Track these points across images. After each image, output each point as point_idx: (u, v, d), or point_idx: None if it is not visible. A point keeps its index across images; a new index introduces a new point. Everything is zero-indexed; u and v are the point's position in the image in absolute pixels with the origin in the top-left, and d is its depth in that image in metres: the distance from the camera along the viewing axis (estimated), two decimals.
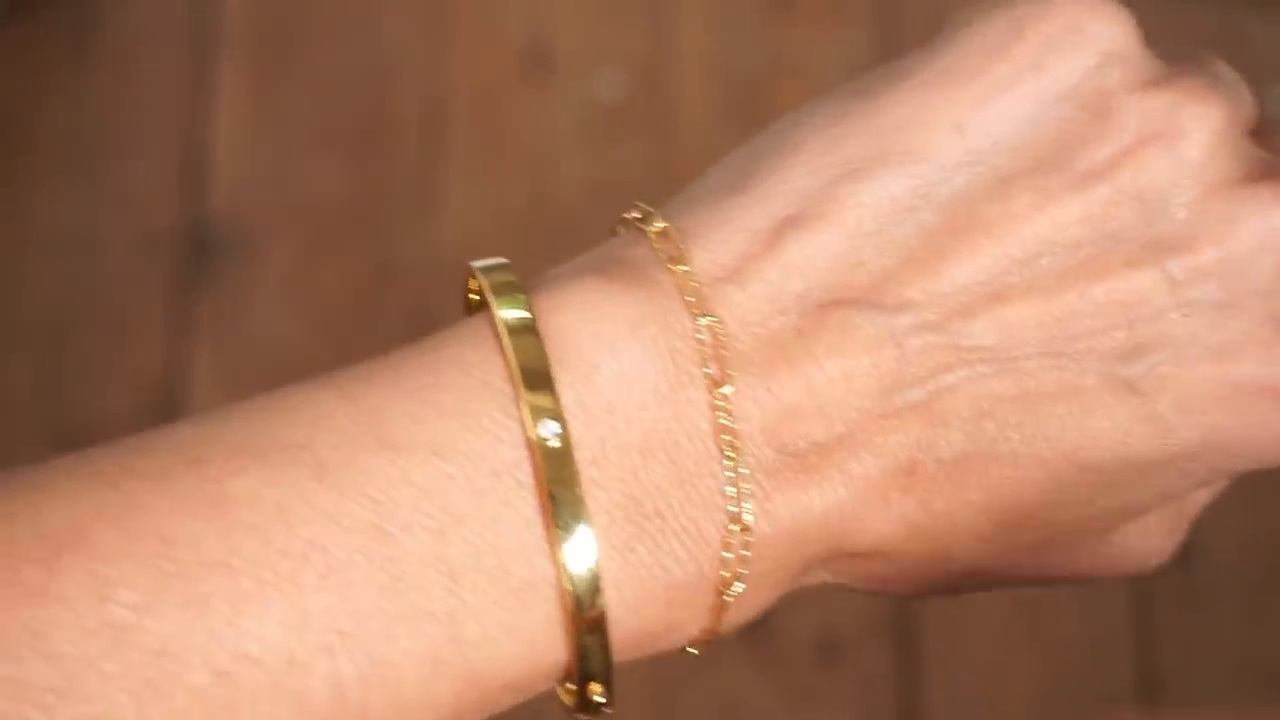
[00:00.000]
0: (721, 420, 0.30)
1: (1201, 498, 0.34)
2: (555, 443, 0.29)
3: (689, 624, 0.30)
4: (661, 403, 0.29)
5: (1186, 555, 0.94)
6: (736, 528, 0.30)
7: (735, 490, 0.30)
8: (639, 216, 0.32)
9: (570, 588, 0.28)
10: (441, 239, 1.00)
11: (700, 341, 0.30)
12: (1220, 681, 0.91)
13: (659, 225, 0.31)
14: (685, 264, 0.31)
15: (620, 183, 1.01)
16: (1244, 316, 0.32)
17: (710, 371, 0.30)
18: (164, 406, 0.96)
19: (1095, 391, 0.31)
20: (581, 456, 0.29)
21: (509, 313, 0.29)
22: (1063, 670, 0.90)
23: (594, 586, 0.29)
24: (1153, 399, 0.31)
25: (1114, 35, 0.32)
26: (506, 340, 0.29)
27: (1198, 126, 0.32)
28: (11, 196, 1.00)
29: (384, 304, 0.99)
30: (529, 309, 0.30)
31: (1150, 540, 0.34)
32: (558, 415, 0.29)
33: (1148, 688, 0.90)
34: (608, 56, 1.03)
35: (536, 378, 0.29)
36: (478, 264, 0.31)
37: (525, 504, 0.29)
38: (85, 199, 1.00)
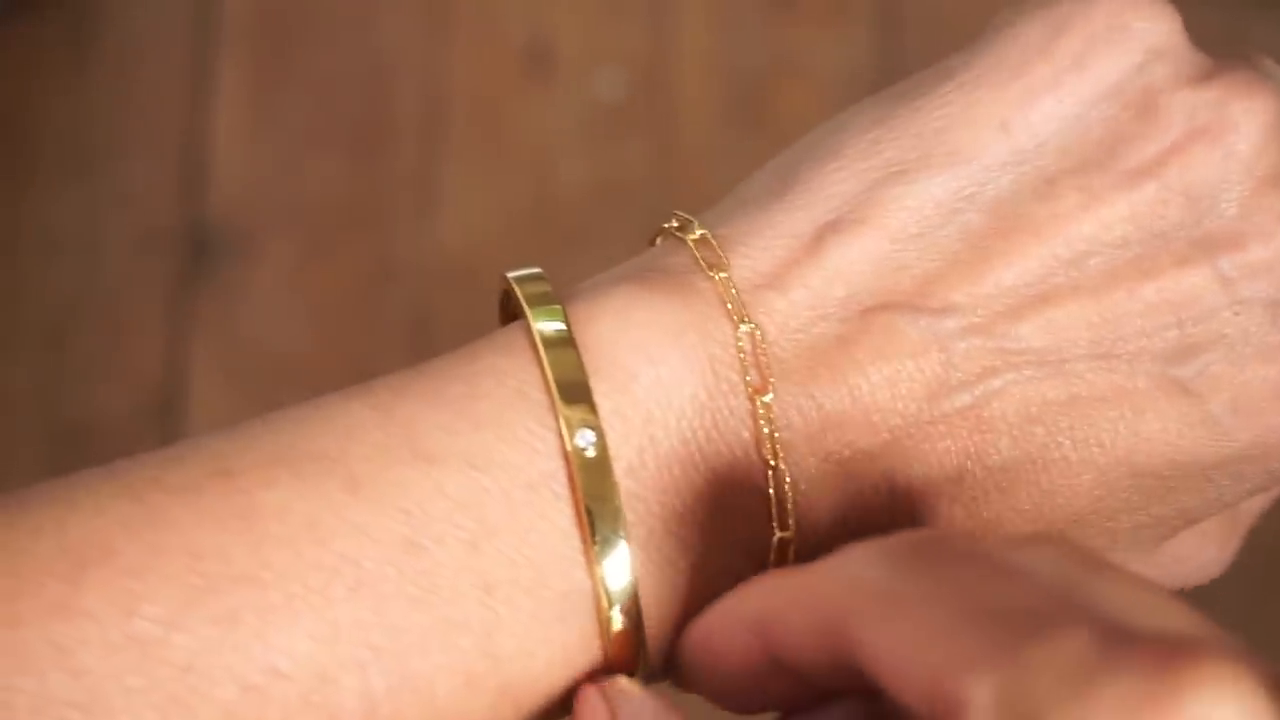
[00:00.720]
0: (763, 429, 0.29)
1: (1255, 506, 0.34)
2: (592, 452, 0.28)
3: None
4: (701, 411, 0.29)
5: None
6: (780, 537, 0.29)
7: (778, 500, 0.29)
8: (678, 226, 0.31)
9: (607, 604, 0.28)
10: (441, 239, 1.00)
11: (740, 349, 0.29)
12: None
13: (698, 233, 0.31)
14: (725, 271, 0.30)
15: (621, 183, 1.01)
16: None
17: (751, 379, 0.29)
18: (163, 406, 0.96)
19: (1147, 393, 0.30)
20: (619, 467, 0.29)
21: (545, 324, 0.29)
22: None
23: (633, 601, 0.28)
24: (1206, 400, 0.31)
25: (1158, 32, 0.31)
26: (543, 353, 0.29)
27: (1246, 121, 0.31)
28: (11, 196, 1.00)
29: (384, 304, 0.99)
30: (565, 319, 0.29)
31: (1206, 550, 0.33)
32: (595, 426, 0.28)
33: None
34: (608, 56, 1.03)
35: (574, 390, 0.29)
36: (513, 274, 0.30)
37: (562, 516, 0.28)
38: (85, 199, 1.00)
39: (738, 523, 0.29)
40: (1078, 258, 0.30)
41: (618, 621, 0.28)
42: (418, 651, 0.27)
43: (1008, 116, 0.31)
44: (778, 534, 0.29)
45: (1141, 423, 0.30)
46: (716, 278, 0.30)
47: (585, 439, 0.28)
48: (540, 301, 0.30)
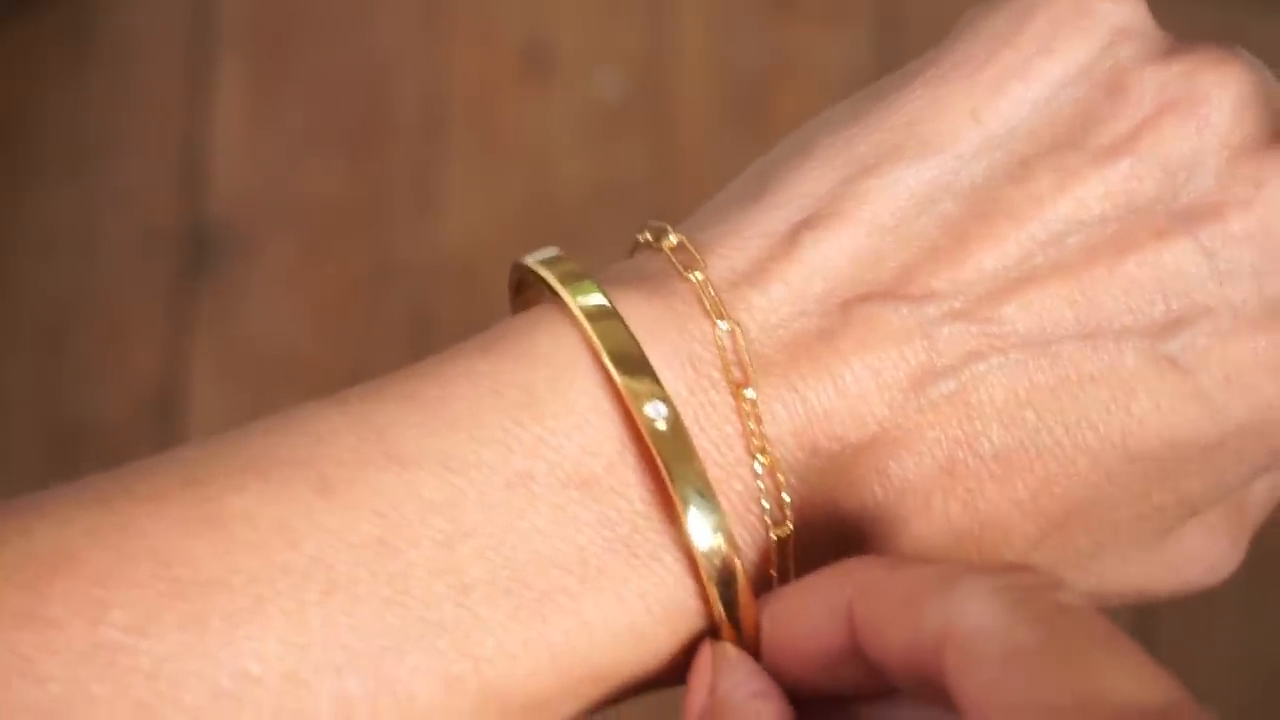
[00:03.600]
0: (749, 425, 0.29)
1: (1264, 496, 0.33)
2: (663, 425, 0.28)
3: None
4: (683, 408, 0.29)
5: None
6: (777, 535, 0.29)
7: (771, 495, 0.29)
8: (653, 236, 0.31)
9: (707, 567, 0.28)
10: (441, 239, 1.00)
11: (721, 347, 0.29)
12: (1220, 681, 0.90)
13: (674, 239, 0.31)
14: (702, 272, 0.30)
15: (620, 183, 1.01)
16: None
17: (733, 376, 0.29)
18: (162, 406, 0.96)
19: (1136, 371, 0.30)
20: (598, 465, 0.29)
21: (584, 299, 0.29)
22: None
23: (726, 562, 0.28)
24: (1196, 374, 0.30)
25: (1123, 13, 0.31)
26: (587, 326, 0.29)
27: (1217, 91, 0.31)
28: (10, 196, 1.00)
29: (383, 304, 0.99)
30: (603, 293, 0.29)
31: (1215, 543, 0.33)
32: (663, 396, 0.28)
33: None
34: (608, 56, 1.03)
35: (631, 361, 0.28)
36: (530, 258, 0.31)
37: (539, 516, 0.28)
38: (84, 198, 1.00)
39: (729, 519, 0.29)
40: (1056, 238, 0.30)
41: (718, 592, 0.28)
42: (393, 654, 0.27)
43: (977, 105, 0.31)
44: (774, 531, 0.29)
45: (1133, 402, 0.30)
46: (694, 278, 0.30)
47: (656, 410, 0.28)
48: (571, 279, 0.30)
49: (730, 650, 0.28)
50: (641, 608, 0.28)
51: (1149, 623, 0.91)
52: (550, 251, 0.31)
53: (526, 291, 0.31)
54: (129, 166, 1.01)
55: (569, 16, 1.04)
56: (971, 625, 0.25)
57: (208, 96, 1.02)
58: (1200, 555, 0.33)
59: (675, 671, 0.29)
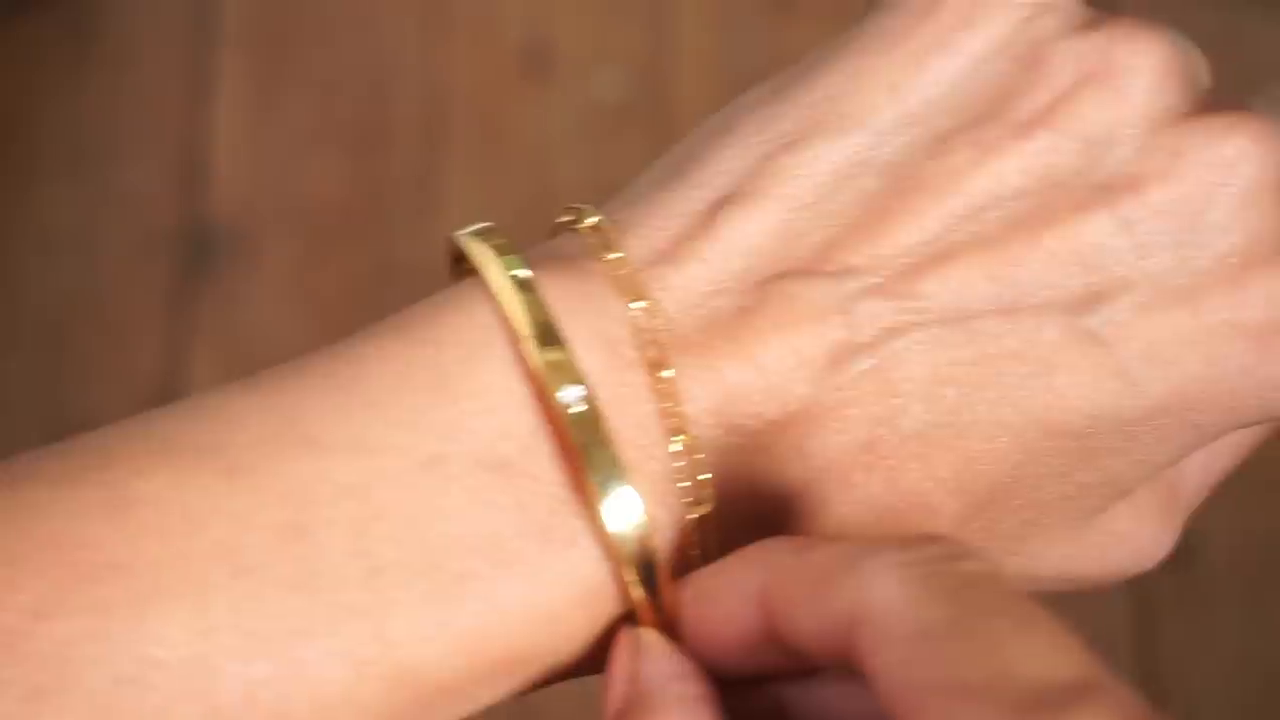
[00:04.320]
0: (666, 405, 0.29)
1: (1196, 479, 0.33)
2: (581, 406, 0.28)
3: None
4: (598, 389, 0.28)
5: (1186, 555, 0.94)
6: (698, 514, 0.29)
7: (685, 474, 0.29)
8: (571, 218, 0.31)
9: (622, 551, 0.28)
10: (441, 239, 1.00)
11: (637, 326, 0.29)
12: (1220, 681, 0.90)
13: (591, 220, 0.30)
14: (618, 252, 0.30)
15: (620, 183, 1.01)
16: (1205, 254, 0.30)
17: (649, 354, 0.29)
18: (163, 406, 0.96)
19: (1056, 346, 0.30)
20: (512, 447, 0.28)
21: (504, 275, 0.29)
22: None
23: (642, 547, 0.28)
24: (1117, 350, 0.30)
25: None
26: (502, 306, 0.28)
27: (1135, 62, 0.30)
28: (10, 196, 1.00)
29: (384, 304, 0.99)
30: (525, 265, 0.29)
31: (1143, 527, 0.32)
32: (576, 379, 0.28)
33: (1148, 688, 0.90)
34: (608, 56, 1.03)
35: (547, 333, 0.28)
36: (463, 230, 0.30)
37: (453, 499, 0.28)
38: (84, 198, 1.00)
39: (646, 499, 0.28)
40: (975, 212, 0.30)
41: (635, 576, 0.28)
42: (302, 638, 0.26)
43: (896, 79, 0.31)
44: (693, 511, 0.29)
45: (1054, 377, 0.30)
46: (609, 258, 0.30)
47: (570, 392, 0.28)
48: (493, 254, 0.29)
49: (649, 635, 0.28)
50: (557, 592, 0.28)
51: (1149, 623, 0.91)
52: (483, 225, 0.30)
53: (460, 264, 0.31)
54: (129, 167, 1.01)
55: (569, 16, 1.04)
56: (879, 605, 0.25)
57: (208, 97, 1.02)
58: (1127, 538, 0.32)
59: (596, 657, 0.29)
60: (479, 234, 0.30)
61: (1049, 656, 0.24)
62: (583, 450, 0.28)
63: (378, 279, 0.99)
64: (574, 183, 1.01)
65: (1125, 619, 0.91)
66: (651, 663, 0.28)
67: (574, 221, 0.31)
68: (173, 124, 1.01)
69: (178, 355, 0.97)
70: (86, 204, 1.00)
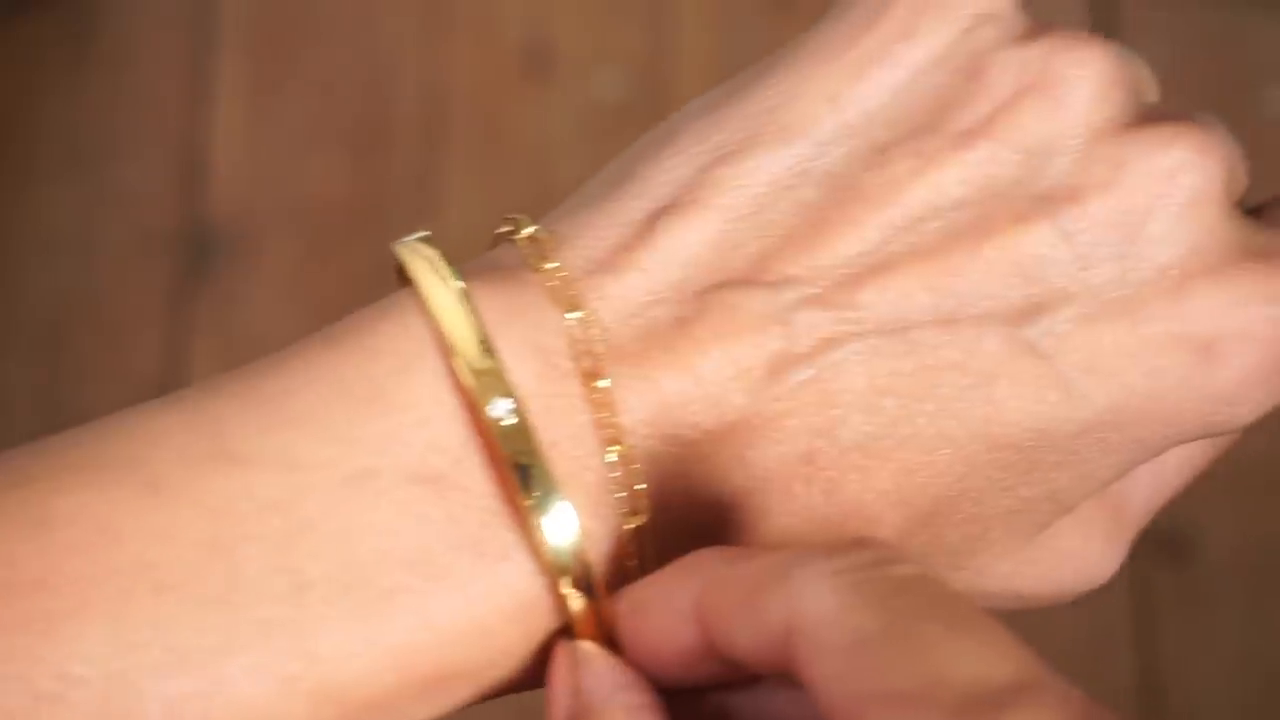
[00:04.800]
0: (602, 415, 0.28)
1: (1144, 496, 0.33)
2: (511, 420, 0.28)
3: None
4: (529, 398, 0.28)
5: (1186, 555, 0.94)
6: (634, 524, 0.28)
7: (621, 485, 0.28)
8: (509, 230, 0.31)
9: (555, 563, 0.28)
10: (441, 239, 0.99)
11: (573, 337, 0.29)
12: (1220, 681, 0.90)
13: (528, 231, 0.30)
14: (556, 262, 0.29)
15: None
16: (1146, 265, 0.30)
17: (584, 365, 0.28)
18: None
19: (996, 357, 0.29)
20: (444, 461, 0.28)
21: (442, 288, 0.29)
22: (1063, 670, 0.90)
23: (580, 561, 0.28)
24: (1057, 361, 0.29)
25: None
26: (435, 317, 0.28)
27: (1075, 72, 0.30)
28: (10, 195, 1.00)
29: None
30: (460, 277, 0.29)
31: (1088, 544, 0.32)
32: (507, 392, 0.28)
33: (1148, 688, 0.90)
34: (608, 56, 1.03)
35: (480, 348, 0.28)
36: (401, 241, 0.30)
37: (382, 513, 0.27)
38: (84, 198, 1.00)
39: (581, 510, 0.28)
40: (914, 223, 0.30)
41: (569, 589, 0.28)
42: (225, 654, 0.26)
43: (836, 90, 0.30)
44: (629, 522, 0.28)
45: (995, 389, 0.29)
46: (546, 268, 0.29)
47: (501, 405, 0.28)
48: (429, 265, 0.29)
49: (588, 648, 0.28)
50: (490, 606, 0.28)
51: (1149, 623, 0.91)
52: (421, 234, 0.30)
53: (404, 275, 0.31)
54: (128, 166, 1.01)
55: (569, 16, 1.04)
56: (813, 615, 0.24)
57: (208, 97, 1.02)
58: (1073, 555, 0.32)
59: (533, 672, 0.29)
60: (417, 244, 0.30)
61: (984, 658, 0.23)
62: (513, 463, 0.28)
63: (377, 279, 0.99)
64: (574, 183, 1.00)
65: (1125, 619, 0.91)
66: (593, 675, 0.28)
67: (513, 232, 0.31)
68: (172, 124, 1.01)
69: (177, 355, 0.97)
70: (85, 204, 1.00)
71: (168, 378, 0.97)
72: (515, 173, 1.01)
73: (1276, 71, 0.98)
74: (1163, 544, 0.92)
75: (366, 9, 1.04)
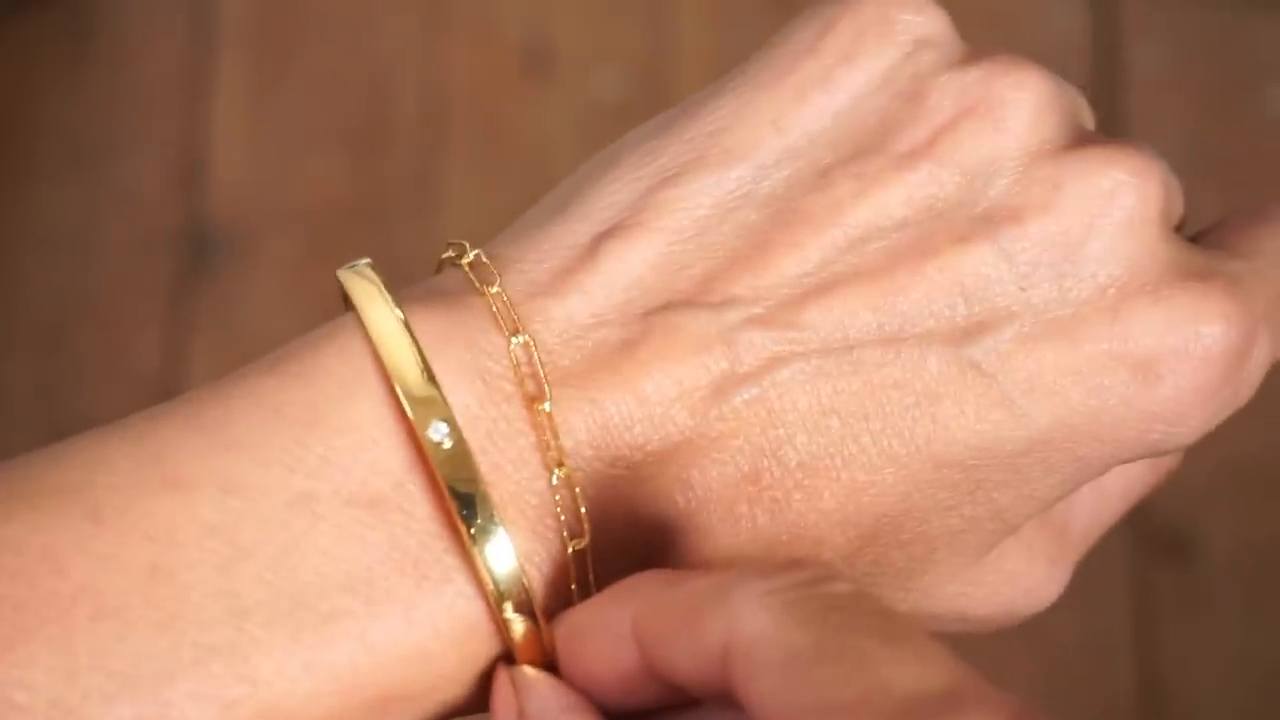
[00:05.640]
0: (542, 437, 0.28)
1: (1084, 523, 0.33)
2: (449, 444, 0.28)
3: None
4: (473, 422, 0.28)
5: (1186, 555, 0.94)
6: (573, 548, 0.28)
7: (564, 508, 0.28)
8: (454, 254, 0.31)
9: (496, 593, 0.28)
10: (441, 238, 0.99)
11: (515, 360, 0.29)
12: (1220, 681, 0.90)
13: (471, 255, 0.30)
14: (497, 286, 0.30)
15: None
16: (1085, 285, 0.30)
17: (527, 388, 0.29)
18: None
19: (939, 376, 0.30)
20: (385, 484, 0.28)
21: (380, 313, 0.29)
22: (1063, 671, 0.90)
23: (520, 590, 0.28)
24: (999, 380, 0.30)
25: (924, 23, 0.31)
26: (376, 342, 0.28)
27: (1013, 95, 0.31)
28: (9, 195, 1.00)
29: None
30: (399, 306, 0.29)
31: (1033, 565, 0.32)
32: (447, 417, 0.28)
33: (1148, 688, 0.90)
34: (608, 56, 1.03)
35: (417, 381, 0.28)
36: (343, 268, 0.30)
37: (322, 537, 0.27)
38: (84, 198, 1.00)
39: (523, 533, 0.28)
40: (856, 244, 0.30)
41: (511, 613, 0.28)
42: (166, 679, 0.26)
43: (779, 114, 0.31)
44: (571, 545, 0.28)
45: (938, 408, 0.30)
46: (489, 292, 0.30)
47: (439, 430, 0.28)
48: (369, 291, 0.29)
49: (529, 672, 0.28)
50: (430, 630, 0.28)
51: (1149, 623, 0.91)
52: (364, 261, 0.31)
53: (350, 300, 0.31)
54: (127, 166, 1.01)
55: (569, 16, 1.04)
56: (748, 634, 0.25)
57: (208, 96, 1.02)
58: (1018, 577, 0.32)
59: (476, 696, 0.29)
60: (359, 269, 0.30)
61: (918, 669, 0.24)
62: (450, 486, 0.28)
63: None
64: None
65: (1125, 619, 0.91)
66: (538, 699, 0.28)
67: (457, 257, 0.31)
68: (171, 123, 1.01)
69: (177, 355, 0.97)
70: (85, 203, 1.00)
71: (168, 377, 0.97)
72: (515, 172, 1.01)
73: (1276, 71, 0.98)
74: (1163, 545, 0.92)
75: (366, 9, 1.04)
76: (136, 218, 1.00)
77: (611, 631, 0.27)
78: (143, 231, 1.00)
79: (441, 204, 1.00)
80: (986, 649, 0.94)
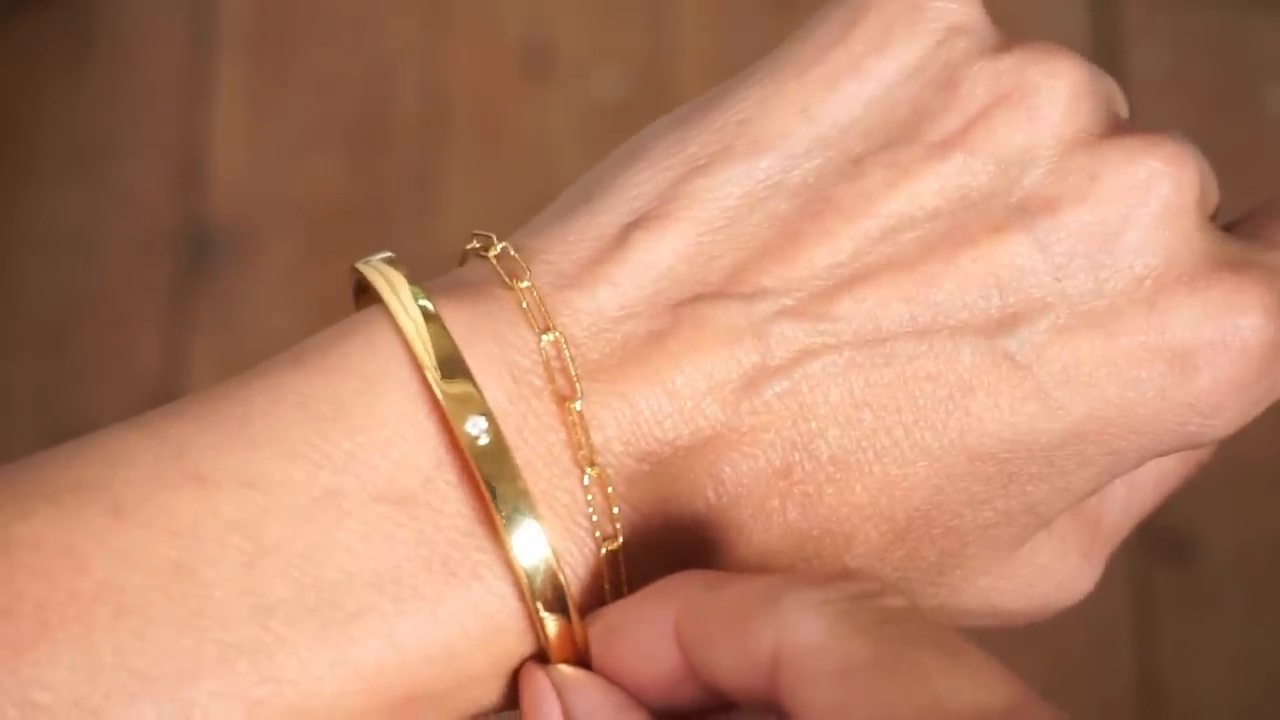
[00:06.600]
0: (575, 434, 0.28)
1: (1120, 511, 0.33)
2: (485, 440, 0.27)
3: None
4: (502, 418, 0.28)
5: (1187, 555, 0.94)
6: (603, 548, 0.28)
7: (595, 507, 0.28)
8: (480, 245, 0.30)
9: (529, 585, 0.27)
10: (441, 238, 1.00)
11: (544, 354, 0.28)
12: (1221, 681, 0.90)
13: (499, 247, 0.30)
14: (526, 279, 0.29)
15: None
16: (1121, 276, 0.30)
17: (557, 383, 0.28)
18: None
19: (973, 368, 0.29)
20: (413, 480, 0.27)
21: (410, 304, 0.28)
22: (1063, 670, 0.90)
23: (552, 582, 0.27)
24: (1034, 372, 0.29)
25: (955, 10, 0.31)
26: (408, 335, 0.28)
27: (1048, 83, 0.30)
28: (10, 195, 1.00)
29: None
30: (429, 298, 0.28)
31: (1065, 559, 0.32)
32: (484, 410, 0.27)
33: (1148, 687, 0.90)
34: (608, 56, 1.03)
35: (452, 365, 0.27)
36: (364, 261, 0.30)
37: (348, 534, 0.27)
38: (84, 198, 1.00)
39: (556, 533, 0.28)
40: (889, 233, 0.30)
41: (544, 611, 0.27)
42: (189, 678, 0.26)
43: (808, 102, 0.30)
44: (604, 545, 0.28)
45: (972, 400, 0.29)
46: (517, 286, 0.29)
47: (476, 424, 0.27)
48: (395, 284, 0.29)
49: (570, 671, 0.28)
50: (457, 628, 0.27)
51: (1149, 623, 0.91)
52: (384, 255, 0.30)
53: (365, 295, 0.30)
54: (128, 166, 1.01)
55: (569, 16, 1.04)
56: (801, 643, 0.24)
57: (208, 96, 1.02)
58: (1050, 571, 0.32)
59: (504, 696, 0.29)
60: (380, 263, 0.30)
61: (975, 685, 0.23)
62: (488, 482, 0.27)
63: None
64: (574, 182, 1.01)
65: (1125, 619, 0.91)
66: (586, 699, 0.27)
67: (483, 249, 0.30)
68: (171, 123, 1.01)
69: (177, 355, 0.97)
70: (85, 203, 1.00)
71: (168, 377, 0.97)
72: (515, 172, 1.01)
73: (1276, 72, 0.98)
74: (1163, 544, 0.92)
75: (366, 9, 1.04)
76: (137, 218, 1.00)
77: (652, 631, 0.27)
78: (143, 231, 1.00)
79: (441, 204, 1.00)
80: (987, 647, 0.93)
